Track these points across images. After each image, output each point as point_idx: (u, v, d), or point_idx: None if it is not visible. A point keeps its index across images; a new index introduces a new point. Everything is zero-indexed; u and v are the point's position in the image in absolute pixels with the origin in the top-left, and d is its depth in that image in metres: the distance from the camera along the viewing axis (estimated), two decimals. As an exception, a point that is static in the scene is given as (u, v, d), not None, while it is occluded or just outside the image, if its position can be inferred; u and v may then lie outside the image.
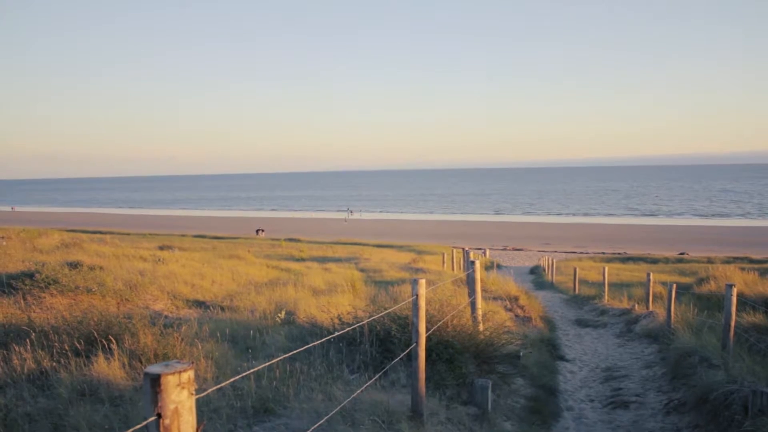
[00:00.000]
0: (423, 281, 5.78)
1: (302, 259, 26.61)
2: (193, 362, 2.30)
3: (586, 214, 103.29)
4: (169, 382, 2.14)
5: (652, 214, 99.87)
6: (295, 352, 5.05)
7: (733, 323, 8.65)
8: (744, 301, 14.67)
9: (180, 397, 2.17)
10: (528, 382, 8.58)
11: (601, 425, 7.71)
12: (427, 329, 6.54)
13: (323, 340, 6.20)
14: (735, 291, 8.70)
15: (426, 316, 6.92)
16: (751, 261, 38.57)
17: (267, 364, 5.16)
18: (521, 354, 9.15)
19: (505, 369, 8.08)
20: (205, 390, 3.64)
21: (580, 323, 16.07)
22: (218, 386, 3.16)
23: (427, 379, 6.08)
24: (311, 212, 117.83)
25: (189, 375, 2.21)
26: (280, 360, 6.09)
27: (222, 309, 10.53)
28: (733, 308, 8.63)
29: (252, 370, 4.18)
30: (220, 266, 16.53)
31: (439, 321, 7.15)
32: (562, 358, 11.38)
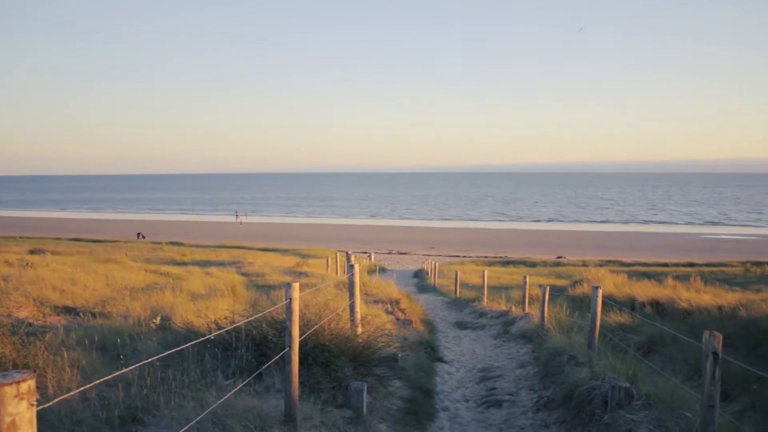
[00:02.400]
0: (296, 285, 5.76)
1: (184, 263, 25.99)
2: (35, 371, 2.20)
3: (470, 219, 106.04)
4: (6, 393, 2.03)
5: (535, 220, 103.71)
6: (162, 355, 4.91)
7: (598, 323, 9.08)
8: (613, 302, 15.46)
9: (18, 409, 2.06)
10: (405, 384, 8.69)
11: (474, 424, 7.92)
12: (303, 333, 6.52)
13: (193, 343, 6.06)
14: (600, 293, 9.14)
15: (303, 319, 6.91)
16: (622, 264, 40.71)
17: (129, 369, 4.98)
18: (399, 356, 9.27)
19: (383, 371, 8.15)
20: (53, 400, 3.49)
21: (460, 325, 16.45)
22: (63, 397, 3.03)
23: (302, 383, 6.06)
24: (196, 215, 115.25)
25: (29, 385, 2.11)
26: (150, 366, 5.92)
27: (93, 315, 10.12)
28: (599, 309, 9.07)
29: (107, 378, 4.03)
30: (94, 271, 15.89)
31: (316, 325, 7.15)
32: (440, 360, 11.60)
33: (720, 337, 4.87)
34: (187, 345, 5.72)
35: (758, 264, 37.00)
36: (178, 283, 14.61)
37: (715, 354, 4.83)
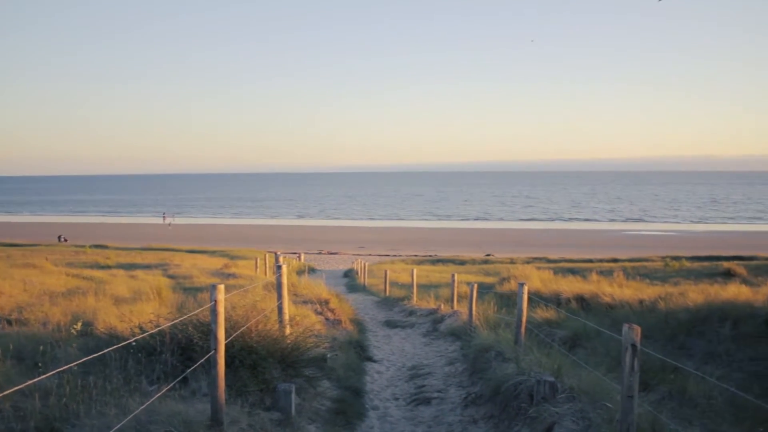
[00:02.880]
0: (221, 287, 5.68)
1: (108, 267, 25.36)
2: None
3: (399, 218, 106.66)
4: None
5: (463, 218, 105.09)
6: (81, 361, 4.77)
7: (524, 319, 9.24)
8: (539, 298, 15.77)
9: None
10: (335, 384, 8.68)
11: (404, 422, 7.96)
12: (230, 335, 6.44)
13: (115, 348, 5.90)
14: (526, 289, 9.31)
15: (229, 321, 6.81)
16: (548, 261, 41.61)
17: (46, 376, 4.82)
18: (329, 357, 9.25)
19: (312, 372, 8.12)
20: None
21: (390, 324, 16.50)
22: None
23: (228, 386, 5.97)
24: (121, 217, 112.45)
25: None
26: (70, 374, 5.74)
27: (9, 323, 9.74)
28: (525, 305, 9.23)
29: (20, 386, 3.89)
30: (11, 276, 15.33)
31: (243, 326, 7.06)
32: (370, 359, 11.62)
33: (638, 330, 5.02)
34: (109, 350, 5.57)
35: (676, 258, 38.35)
36: (102, 287, 14.23)
37: (633, 346, 4.98)
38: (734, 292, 13.45)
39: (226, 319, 6.59)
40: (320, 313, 13.57)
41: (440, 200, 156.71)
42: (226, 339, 5.84)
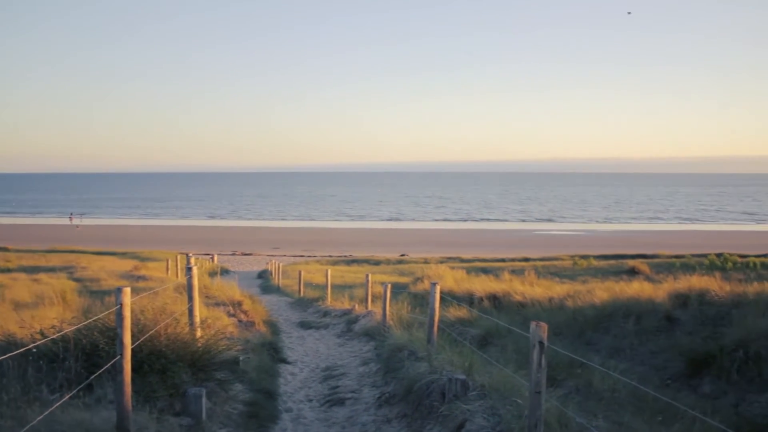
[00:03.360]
0: (127, 290, 5.52)
1: (8, 270, 24.31)
2: None
3: (312, 219, 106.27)
4: None
5: (378, 219, 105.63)
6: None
7: (437, 319, 9.34)
8: (453, 298, 15.99)
9: None
10: (247, 387, 8.55)
11: (318, 423, 7.92)
12: (137, 339, 6.26)
13: (11, 355, 5.64)
14: (438, 289, 9.41)
15: (137, 325, 6.63)
16: (462, 260, 42.30)
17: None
18: (241, 359, 9.12)
19: (224, 376, 7.98)
20: None
21: (304, 325, 16.42)
22: None
23: (136, 392, 5.80)
24: (24, 217, 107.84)
25: None
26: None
27: None
28: (437, 305, 9.33)
29: None
30: None
31: (152, 330, 6.87)
32: (283, 361, 11.52)
33: (545, 327, 5.14)
34: (5, 357, 5.31)
35: (585, 257, 39.68)
36: (1, 291, 13.62)
37: (541, 343, 5.10)
38: (637, 289, 13.98)
39: (134, 323, 6.41)
40: (233, 315, 13.37)
41: (354, 200, 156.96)
42: (133, 343, 5.68)
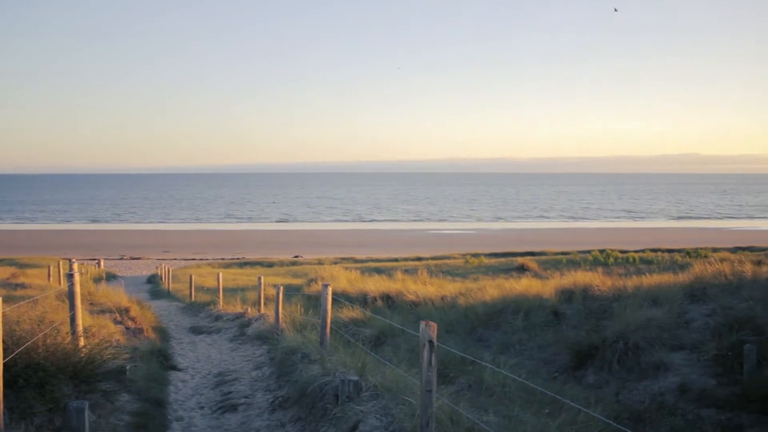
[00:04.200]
0: (-1, 300, 5.21)
1: None
2: None
3: (201, 221, 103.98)
4: None
5: (271, 220, 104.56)
6: None
7: (329, 320, 9.33)
8: (347, 298, 16.00)
9: None
10: (135, 396, 8.25)
11: (209, 431, 7.75)
12: (12, 352, 5.92)
13: None
14: (330, 290, 9.40)
15: (12, 337, 6.28)
16: (356, 260, 42.44)
17: None
18: (128, 368, 8.79)
19: (109, 386, 7.67)
20: None
21: (195, 330, 16.05)
22: None
23: (10, 409, 5.50)
24: None
25: None
26: None
27: None
28: (329, 306, 9.32)
29: None
30: None
31: (29, 341, 6.52)
32: (174, 368, 11.20)
33: (435, 326, 5.20)
34: None
35: (476, 255, 40.64)
36: None
37: (431, 342, 5.15)
38: (526, 285, 14.43)
39: (8, 335, 6.08)
40: (120, 323, 12.89)
41: (244, 202, 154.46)
42: (5, 357, 5.37)
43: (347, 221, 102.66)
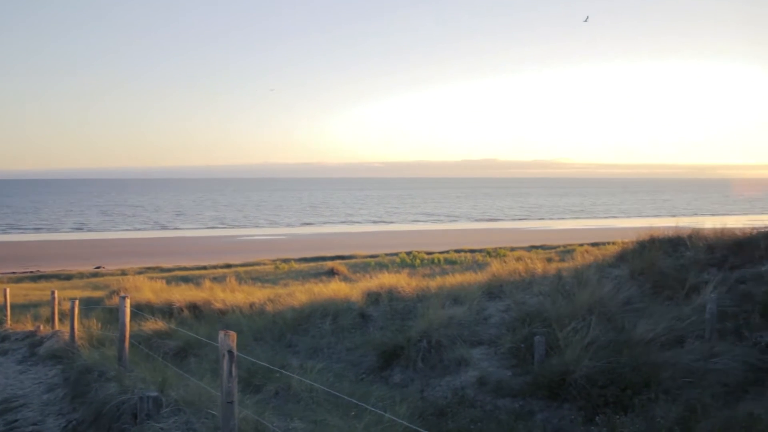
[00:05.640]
0: None
1: None
2: None
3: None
4: None
5: (73, 228, 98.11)
6: None
7: (128, 334, 8.85)
8: (151, 309, 15.33)
9: None
10: None
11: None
12: None
13: None
14: (128, 302, 8.93)
15: None
16: (162, 270, 40.82)
17: None
18: None
19: None
20: None
21: (-23, 354, 14.65)
22: None
23: None
24: None
25: None
26: None
27: None
28: (127, 320, 8.84)
29: None
30: None
31: None
32: (-53, 399, 10.11)
33: (234, 335, 5.06)
34: None
35: (286, 261, 40.52)
36: None
37: (230, 352, 5.00)
38: (335, 289, 14.59)
39: None
40: None
41: (34, 211, 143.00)
42: None
43: (150, 229, 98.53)
